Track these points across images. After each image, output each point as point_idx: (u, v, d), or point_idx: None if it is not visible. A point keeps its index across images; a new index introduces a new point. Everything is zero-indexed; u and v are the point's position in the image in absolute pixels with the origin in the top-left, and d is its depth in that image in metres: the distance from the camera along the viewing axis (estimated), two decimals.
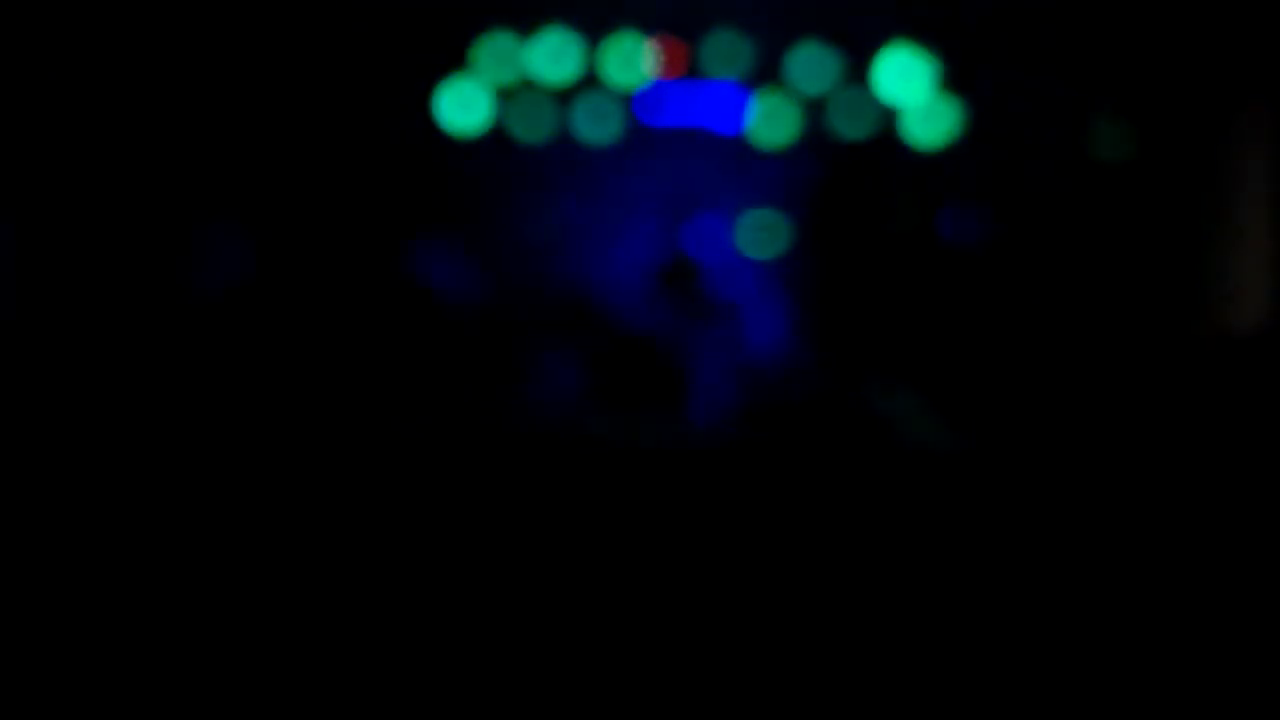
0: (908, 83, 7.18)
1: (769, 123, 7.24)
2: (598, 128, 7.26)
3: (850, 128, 7.24)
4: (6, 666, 3.82)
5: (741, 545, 4.91)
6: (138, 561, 4.57)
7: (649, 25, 7.23)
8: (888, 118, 7.23)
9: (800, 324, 7.12)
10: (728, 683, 4.03)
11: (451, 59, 7.21)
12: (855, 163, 7.27)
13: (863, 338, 7.01)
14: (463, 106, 7.21)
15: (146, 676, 3.89)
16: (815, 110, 7.23)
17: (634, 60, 7.23)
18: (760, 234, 7.24)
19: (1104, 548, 4.79)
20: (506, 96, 7.25)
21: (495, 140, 7.26)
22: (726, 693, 3.98)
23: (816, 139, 7.26)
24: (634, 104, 7.27)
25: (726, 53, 7.22)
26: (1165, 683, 3.96)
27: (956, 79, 7.19)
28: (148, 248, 6.60)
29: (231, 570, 4.52)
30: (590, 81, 7.25)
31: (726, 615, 4.41)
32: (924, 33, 7.16)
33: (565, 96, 7.26)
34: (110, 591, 4.36)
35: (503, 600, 4.49)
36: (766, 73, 7.23)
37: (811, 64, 7.20)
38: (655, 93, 7.27)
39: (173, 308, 6.53)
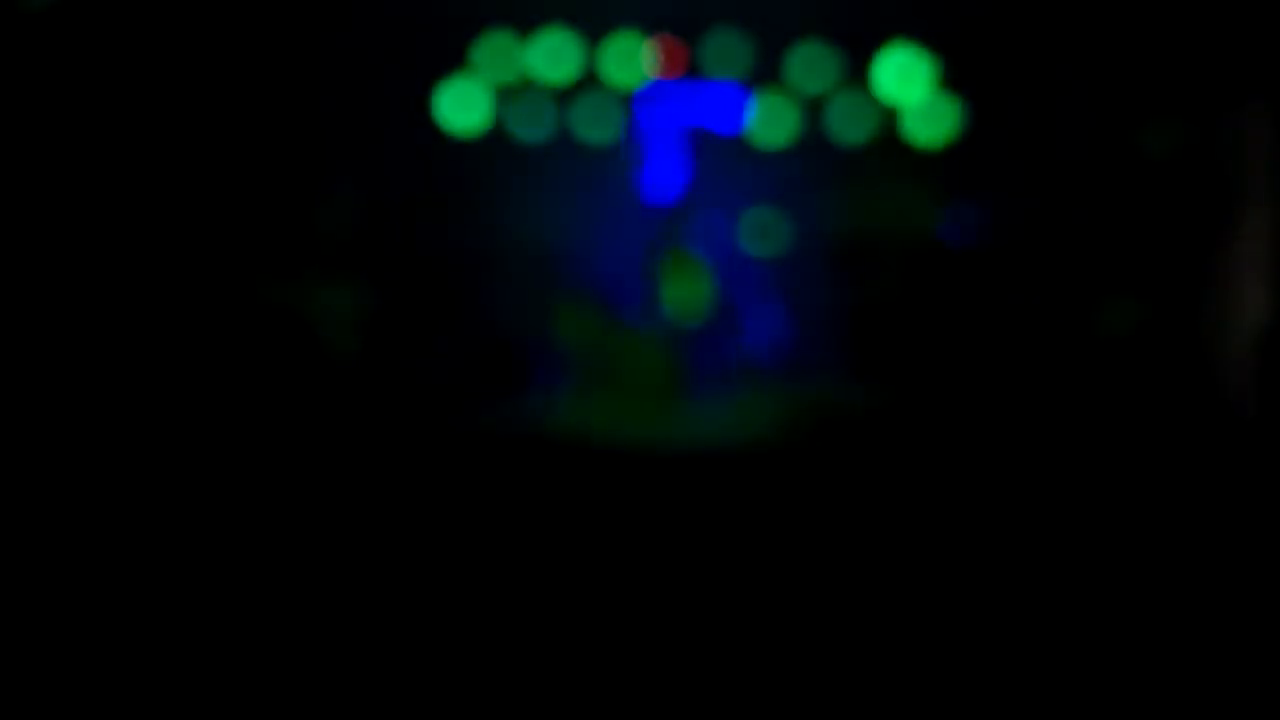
0: (908, 83, 7.18)
1: (769, 123, 7.24)
2: (598, 128, 7.26)
3: (850, 128, 7.24)
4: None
5: (742, 546, 4.91)
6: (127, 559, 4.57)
7: (649, 25, 7.23)
8: (888, 117, 7.23)
9: (800, 324, 7.12)
10: (718, 685, 4.03)
11: (451, 59, 7.21)
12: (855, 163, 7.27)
13: (863, 338, 7.01)
14: (463, 106, 7.21)
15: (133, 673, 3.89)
16: (815, 110, 7.23)
17: (634, 60, 7.22)
18: (760, 234, 7.24)
19: (1106, 544, 4.78)
20: (506, 96, 7.25)
21: (495, 140, 7.26)
22: (715, 694, 3.98)
23: (816, 139, 7.26)
24: (634, 104, 7.27)
25: (726, 53, 7.21)
26: (1157, 682, 3.96)
27: (956, 79, 7.19)
28: (133, 244, 6.59)
29: (205, 576, 4.52)
30: (590, 81, 7.25)
31: (725, 617, 4.40)
32: (924, 33, 7.16)
33: (565, 96, 7.26)
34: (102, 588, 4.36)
35: (498, 603, 4.49)
36: (766, 73, 7.23)
37: (811, 64, 7.20)
38: (655, 93, 7.27)
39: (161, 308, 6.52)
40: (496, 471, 5.40)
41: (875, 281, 7.06)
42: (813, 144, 7.25)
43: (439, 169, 7.20)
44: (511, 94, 7.26)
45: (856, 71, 7.21)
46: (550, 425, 6.00)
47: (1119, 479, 5.40)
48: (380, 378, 6.51)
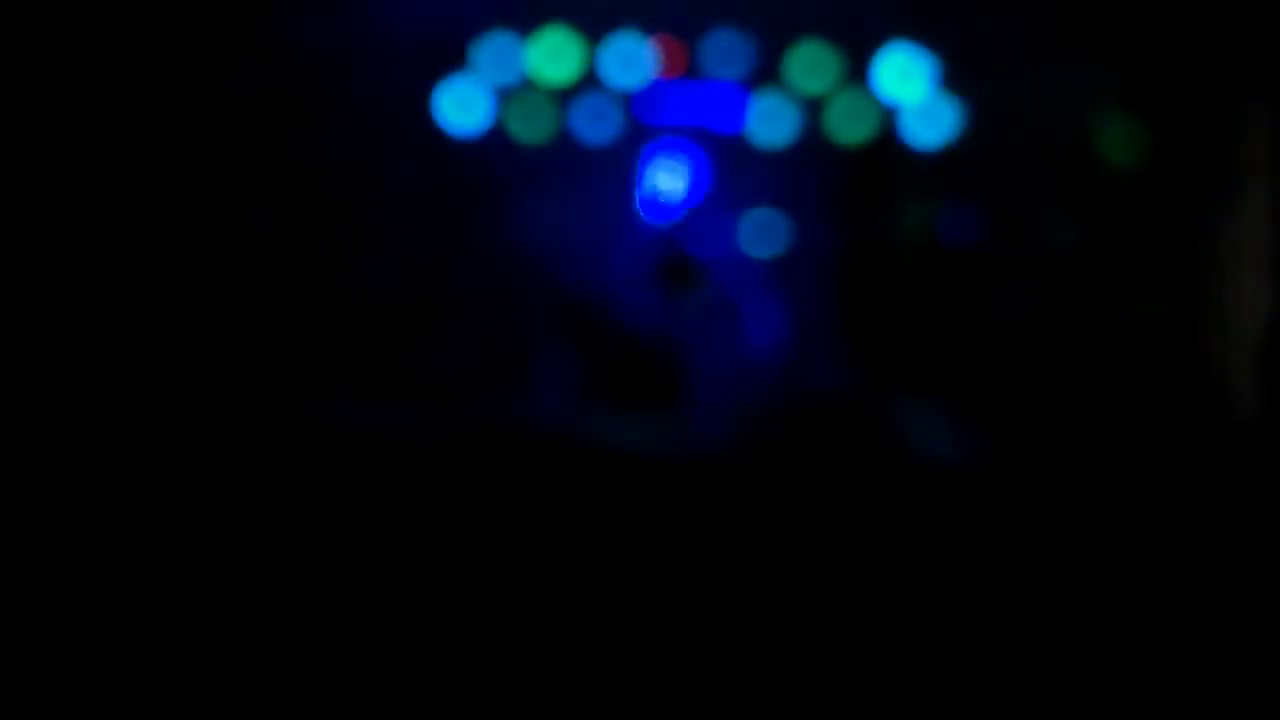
0: (908, 83, 7.18)
1: (769, 123, 7.24)
2: (598, 128, 7.25)
3: (850, 128, 7.23)
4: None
5: (744, 553, 4.91)
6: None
7: (649, 25, 7.22)
8: (888, 118, 7.23)
9: (801, 325, 7.11)
10: (724, 694, 4.03)
11: (451, 59, 7.21)
12: (855, 163, 7.27)
13: (868, 343, 7.01)
14: (463, 106, 7.21)
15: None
16: (815, 110, 7.23)
17: (634, 60, 7.22)
18: (760, 234, 7.24)
19: (1114, 560, 4.78)
20: (506, 96, 7.25)
21: (495, 140, 7.25)
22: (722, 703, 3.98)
23: (816, 139, 7.25)
24: (634, 104, 7.27)
25: (726, 53, 7.21)
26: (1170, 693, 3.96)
27: (956, 79, 7.19)
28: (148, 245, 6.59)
29: (222, 569, 4.52)
30: (590, 81, 7.24)
31: (727, 626, 4.40)
32: (924, 33, 7.15)
33: (565, 96, 7.25)
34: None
35: (497, 607, 4.49)
36: (766, 73, 7.22)
37: (811, 64, 7.19)
38: (655, 93, 7.27)
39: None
40: (496, 475, 5.40)
41: (875, 282, 7.06)
42: (813, 144, 7.25)
43: (439, 169, 7.20)
44: (511, 94, 7.25)
45: (856, 71, 7.20)
46: (551, 428, 6.00)
47: (1116, 477, 5.40)
48: (382, 380, 6.52)
